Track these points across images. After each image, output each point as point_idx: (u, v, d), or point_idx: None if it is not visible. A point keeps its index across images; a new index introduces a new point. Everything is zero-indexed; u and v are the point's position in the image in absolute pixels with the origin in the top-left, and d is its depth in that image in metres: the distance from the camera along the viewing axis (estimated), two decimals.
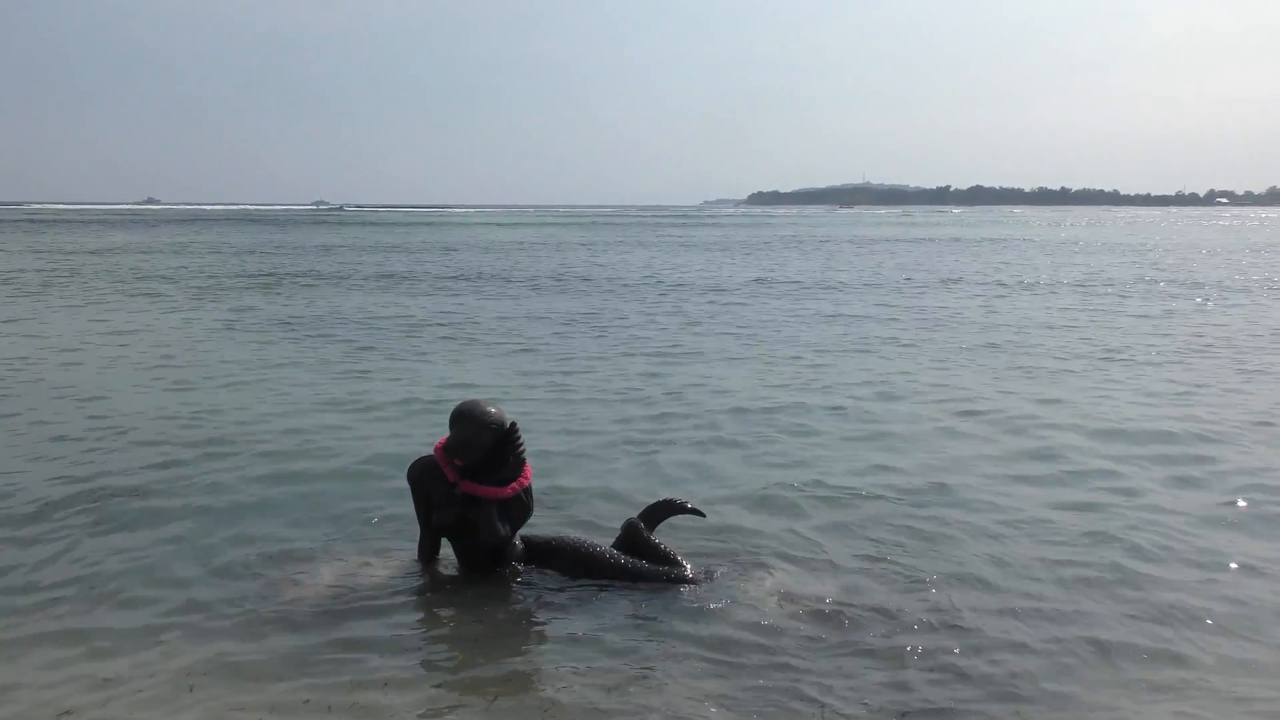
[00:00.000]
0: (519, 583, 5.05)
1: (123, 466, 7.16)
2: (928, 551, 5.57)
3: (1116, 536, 5.81)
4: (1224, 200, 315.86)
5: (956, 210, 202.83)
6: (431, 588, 5.05)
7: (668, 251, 40.69)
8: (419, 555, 5.28)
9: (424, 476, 5.06)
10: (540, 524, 5.54)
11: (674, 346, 13.55)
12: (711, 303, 19.79)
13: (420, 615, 4.77)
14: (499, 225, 79.77)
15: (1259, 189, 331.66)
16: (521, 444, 5.05)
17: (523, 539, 5.21)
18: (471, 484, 4.94)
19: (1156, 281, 25.32)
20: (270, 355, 12.57)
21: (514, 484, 4.99)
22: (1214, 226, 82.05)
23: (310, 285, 23.57)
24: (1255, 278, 26.66)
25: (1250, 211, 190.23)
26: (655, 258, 35.89)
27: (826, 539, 5.79)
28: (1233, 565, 5.39)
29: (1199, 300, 20.32)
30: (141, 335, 14.44)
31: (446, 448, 4.97)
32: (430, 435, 6.30)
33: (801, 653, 4.39)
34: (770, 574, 5.22)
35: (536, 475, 5.34)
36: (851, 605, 4.86)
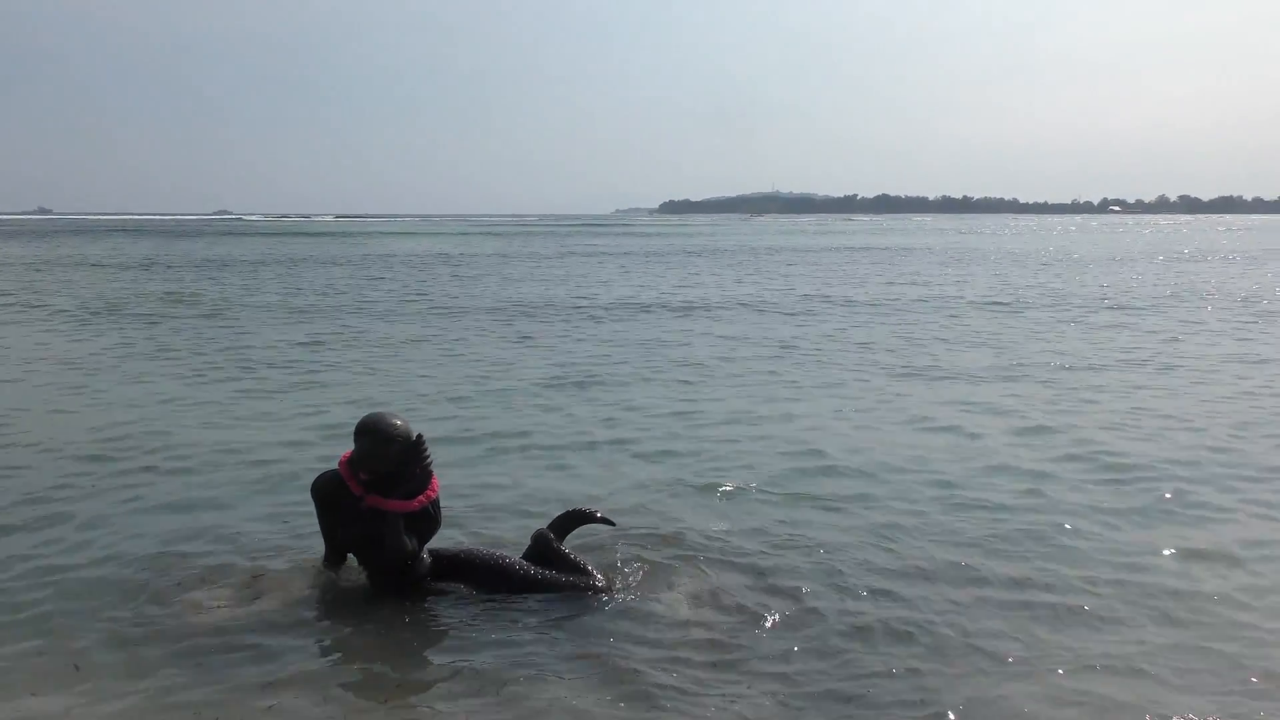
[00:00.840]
0: (427, 598, 4.97)
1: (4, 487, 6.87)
2: (838, 552, 5.63)
3: (1013, 534, 5.98)
4: (1117, 208, 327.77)
5: (867, 218, 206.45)
6: (337, 604, 4.93)
7: (599, 264, 40.56)
8: (324, 571, 5.16)
9: (328, 491, 4.94)
10: (450, 536, 5.47)
11: (602, 359, 13.52)
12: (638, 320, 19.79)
13: (324, 631, 4.65)
14: (409, 235, 78.52)
15: (1149, 197, 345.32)
16: (429, 456, 4.97)
17: (431, 553, 5.12)
18: (377, 498, 4.84)
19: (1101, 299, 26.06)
20: (152, 371, 12.20)
21: (421, 497, 4.90)
22: (1139, 235, 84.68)
23: (196, 300, 22.91)
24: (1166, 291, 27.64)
25: (1157, 219, 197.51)
26: (592, 272, 35.79)
27: (740, 542, 5.82)
28: (1100, 552, 5.58)
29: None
30: (30, 350, 13.89)
31: (351, 461, 4.87)
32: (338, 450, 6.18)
33: (710, 653, 4.41)
34: (683, 578, 5.24)
35: (446, 485, 5.27)
36: (761, 605, 4.91)
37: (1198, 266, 35.85)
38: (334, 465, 4.99)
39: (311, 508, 5.06)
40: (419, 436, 4.92)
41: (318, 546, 5.23)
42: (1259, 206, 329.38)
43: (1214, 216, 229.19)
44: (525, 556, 5.16)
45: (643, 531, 5.95)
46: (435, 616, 4.83)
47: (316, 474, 5.09)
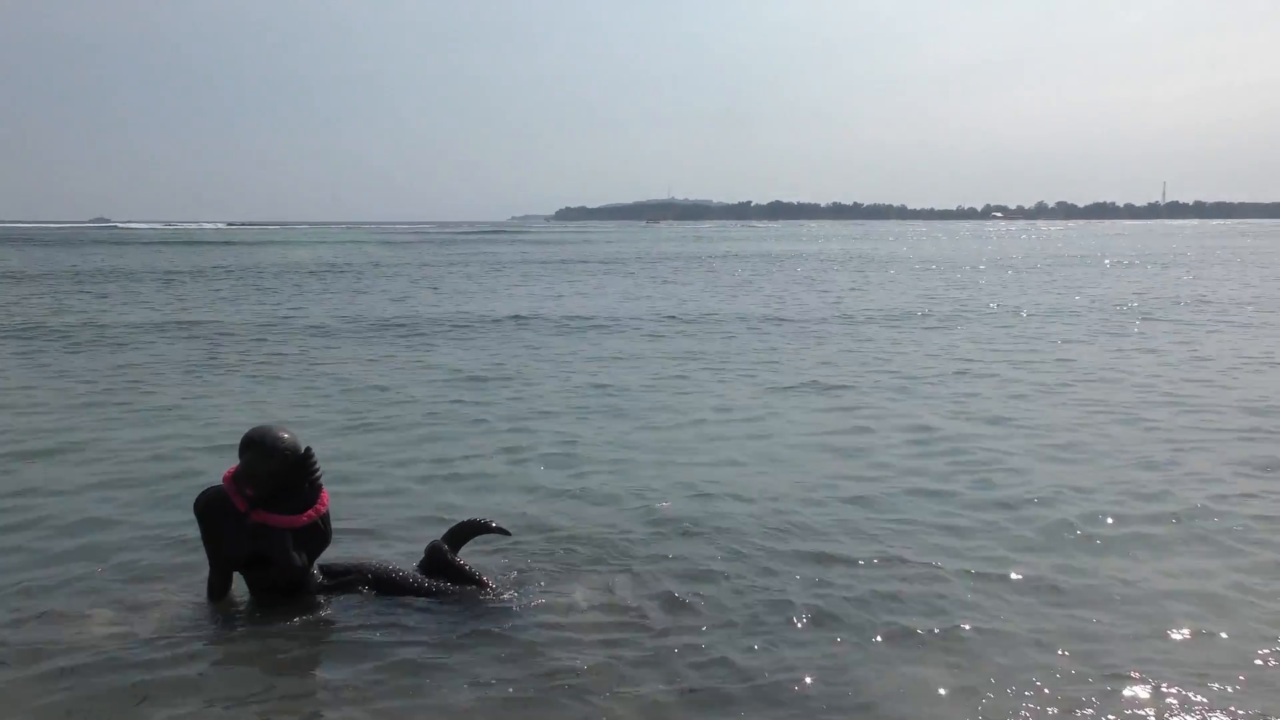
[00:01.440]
0: (318, 615, 4.86)
1: None
2: (731, 557, 5.70)
3: (884, 533, 6.15)
4: (999, 215, 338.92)
5: (780, 224, 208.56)
6: (223, 625, 4.78)
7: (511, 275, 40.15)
8: (209, 593, 4.97)
9: (211, 508, 4.78)
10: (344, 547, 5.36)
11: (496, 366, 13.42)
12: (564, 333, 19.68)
13: (211, 655, 4.51)
14: (298, 245, 76.63)
15: (1029, 204, 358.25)
16: (318, 469, 4.88)
17: (321, 568, 5.02)
18: (264, 513, 4.72)
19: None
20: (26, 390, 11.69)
21: (310, 511, 4.80)
22: (1030, 239, 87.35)
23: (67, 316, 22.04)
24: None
25: (1039, 224, 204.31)
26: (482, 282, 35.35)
27: (637, 544, 5.86)
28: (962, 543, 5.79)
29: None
30: None
31: (236, 476, 4.74)
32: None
33: (607, 654, 4.43)
34: (581, 585, 5.23)
35: (336, 499, 5.17)
36: (661, 607, 4.95)
37: (1136, 273, 37.30)
38: (218, 481, 4.85)
39: (196, 526, 4.90)
40: (307, 449, 4.82)
41: (203, 565, 5.07)
42: (1129, 212, 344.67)
43: (1092, 222, 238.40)
44: (419, 569, 5.10)
45: (540, 540, 5.94)
46: (323, 629, 4.74)
47: (199, 490, 4.94)
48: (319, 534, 4.88)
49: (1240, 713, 3.95)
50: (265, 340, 16.17)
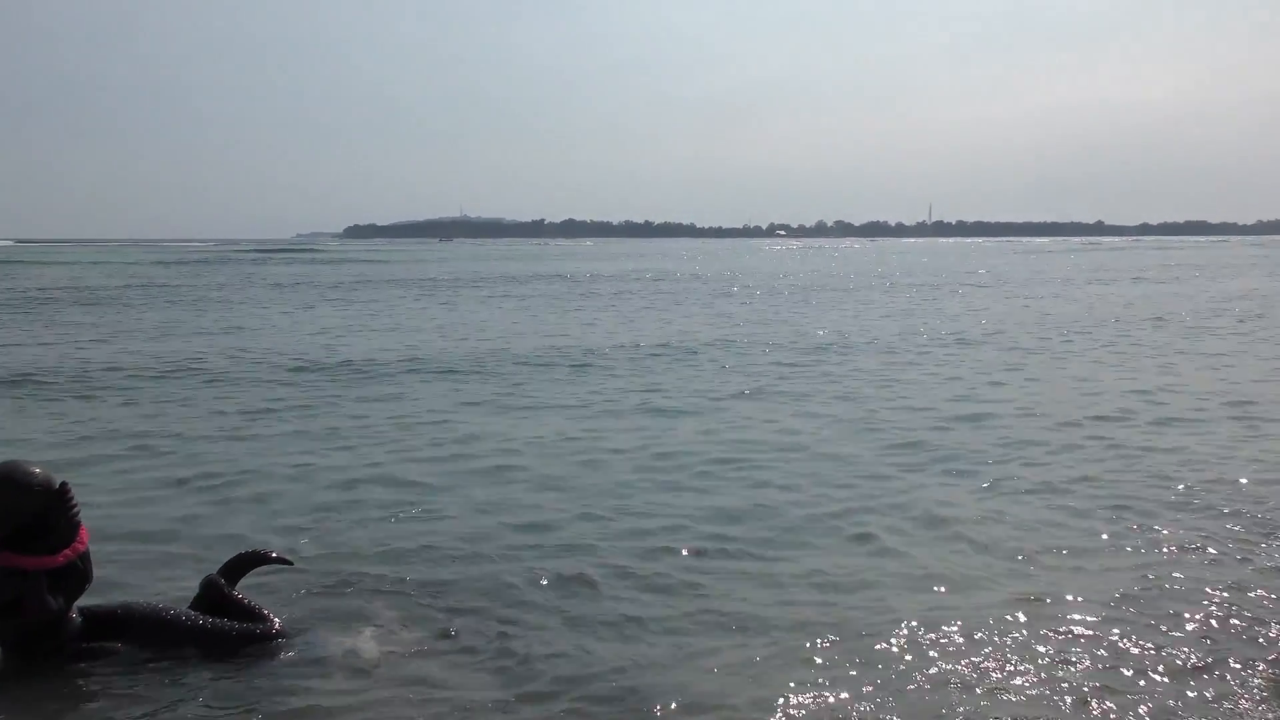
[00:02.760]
0: (78, 665, 4.47)
1: None
2: (522, 566, 5.68)
3: (668, 543, 6.29)
4: (782, 232, 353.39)
5: (584, 243, 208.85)
6: None
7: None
8: None
9: None
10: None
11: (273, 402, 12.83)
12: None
13: None
14: (63, 265, 71.01)
15: (810, 223, 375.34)
16: (75, 505, 4.51)
17: (81, 612, 4.63)
18: (12, 554, 4.32)
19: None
20: None
21: (67, 550, 4.42)
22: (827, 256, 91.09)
23: None
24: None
25: (820, 241, 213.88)
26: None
27: (425, 568, 5.75)
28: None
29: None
30: None
31: None
32: None
33: (400, 689, 4.31)
34: (370, 614, 5.07)
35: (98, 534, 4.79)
36: (450, 629, 4.89)
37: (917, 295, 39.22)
38: None
39: None
40: (63, 484, 4.45)
41: None
42: (900, 230, 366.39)
43: (867, 240, 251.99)
44: (193, 605, 4.79)
45: (325, 568, 5.72)
46: (85, 681, 4.37)
47: None
48: (78, 574, 4.51)
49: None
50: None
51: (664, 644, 4.80)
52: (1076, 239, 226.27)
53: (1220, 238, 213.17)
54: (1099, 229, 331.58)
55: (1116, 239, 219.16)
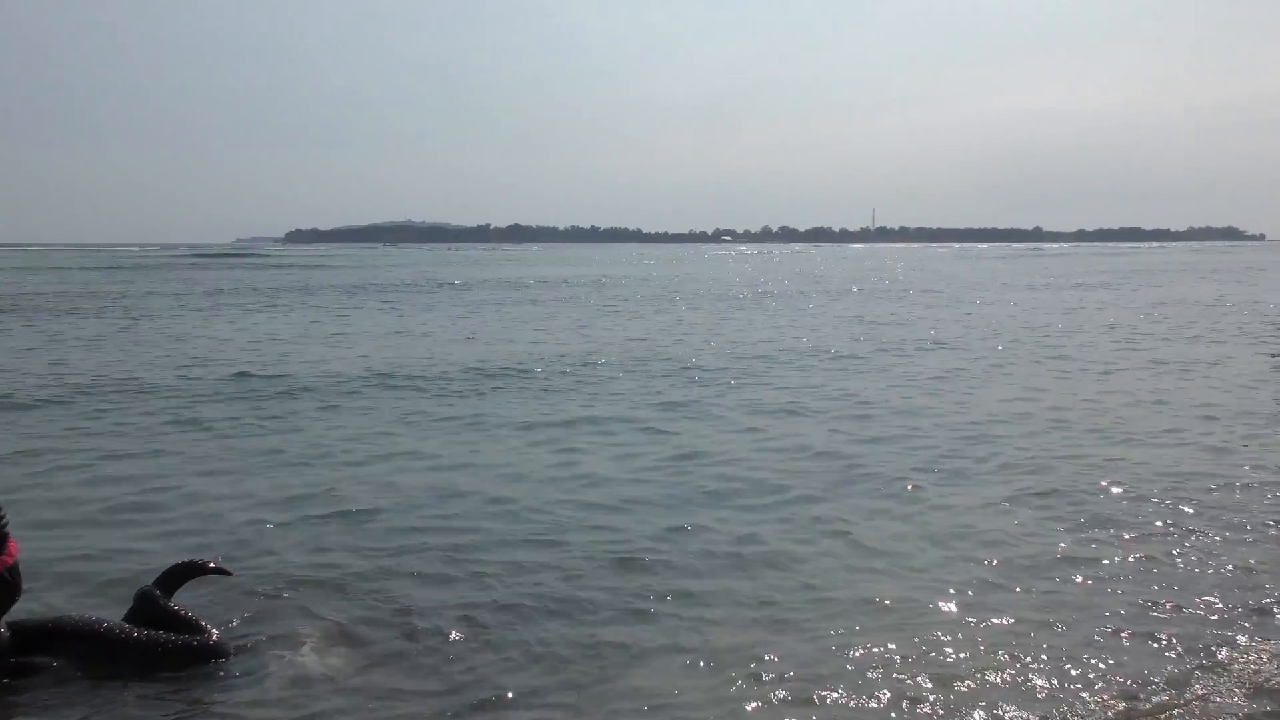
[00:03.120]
0: (5, 680, 4.36)
1: None
2: (471, 598, 5.64)
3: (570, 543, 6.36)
4: (728, 238, 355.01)
5: (541, 248, 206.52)
6: None
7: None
8: None
9: None
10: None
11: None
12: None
13: None
14: None
15: (755, 228, 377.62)
16: (4, 518, 4.40)
17: (10, 626, 4.51)
18: None
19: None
20: None
21: None
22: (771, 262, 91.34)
23: None
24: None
25: (767, 247, 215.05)
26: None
27: (362, 576, 5.71)
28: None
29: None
30: None
31: None
32: None
33: (340, 700, 4.27)
34: (309, 623, 5.01)
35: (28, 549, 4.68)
36: (389, 639, 4.85)
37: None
38: None
39: None
40: None
41: None
42: (844, 236, 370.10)
43: (810, 245, 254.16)
44: (128, 618, 4.69)
45: (265, 580, 5.63)
46: (15, 697, 4.26)
47: None
48: (7, 587, 4.41)
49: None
50: None
51: (610, 653, 4.80)
52: (1018, 244, 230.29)
53: (1157, 244, 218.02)
54: (1037, 235, 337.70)
55: (1059, 245, 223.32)
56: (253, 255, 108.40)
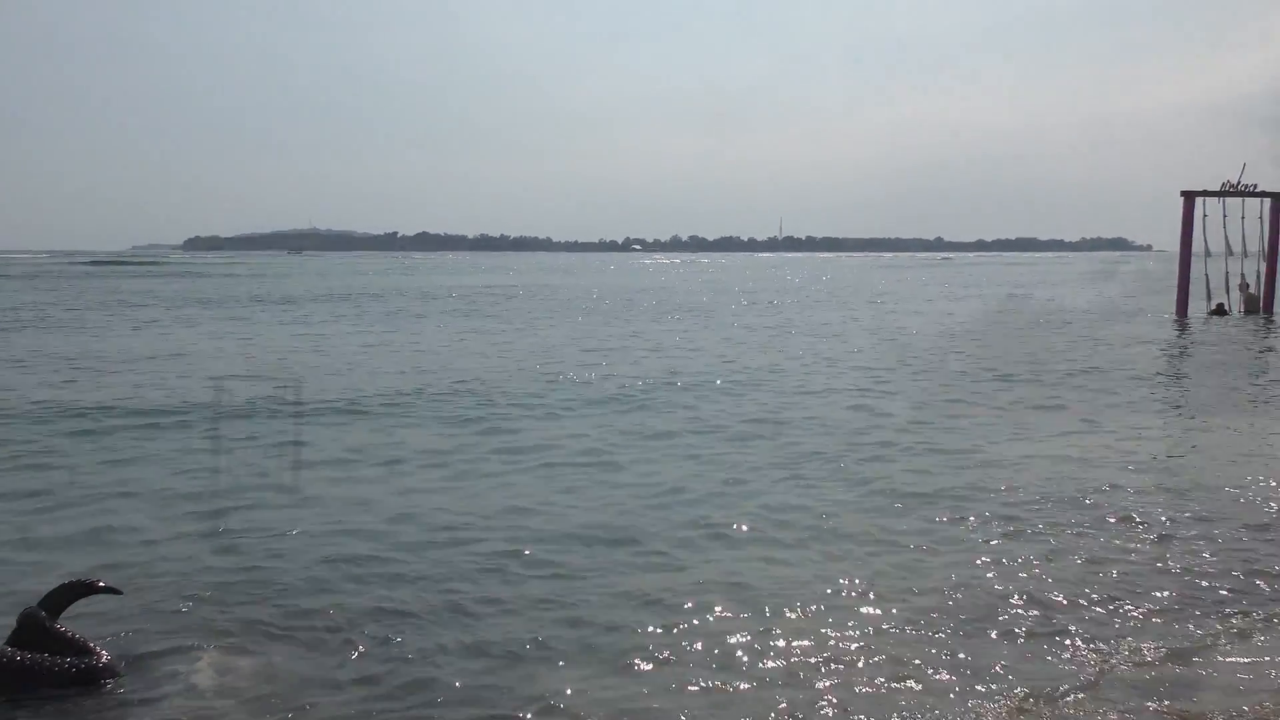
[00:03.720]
0: None
1: None
2: (368, 612, 5.58)
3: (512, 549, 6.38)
4: (638, 247, 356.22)
5: (453, 256, 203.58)
6: None
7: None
8: None
9: None
10: None
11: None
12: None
13: None
14: None
15: (665, 238, 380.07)
16: None
17: None
18: None
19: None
20: None
21: None
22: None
23: None
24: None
25: (674, 256, 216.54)
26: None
27: (267, 607, 5.56)
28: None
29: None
30: None
31: None
32: None
33: (240, 714, 4.22)
34: (205, 642, 4.92)
35: None
36: (288, 649, 4.81)
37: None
38: None
39: None
40: None
41: None
42: (753, 245, 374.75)
43: (720, 254, 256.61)
44: (10, 641, 4.54)
45: (157, 598, 5.50)
46: None
47: None
48: None
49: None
50: None
51: (517, 654, 4.83)
52: (922, 254, 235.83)
53: (1056, 254, 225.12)
54: (939, 245, 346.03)
55: (965, 254, 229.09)
56: (151, 263, 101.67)
